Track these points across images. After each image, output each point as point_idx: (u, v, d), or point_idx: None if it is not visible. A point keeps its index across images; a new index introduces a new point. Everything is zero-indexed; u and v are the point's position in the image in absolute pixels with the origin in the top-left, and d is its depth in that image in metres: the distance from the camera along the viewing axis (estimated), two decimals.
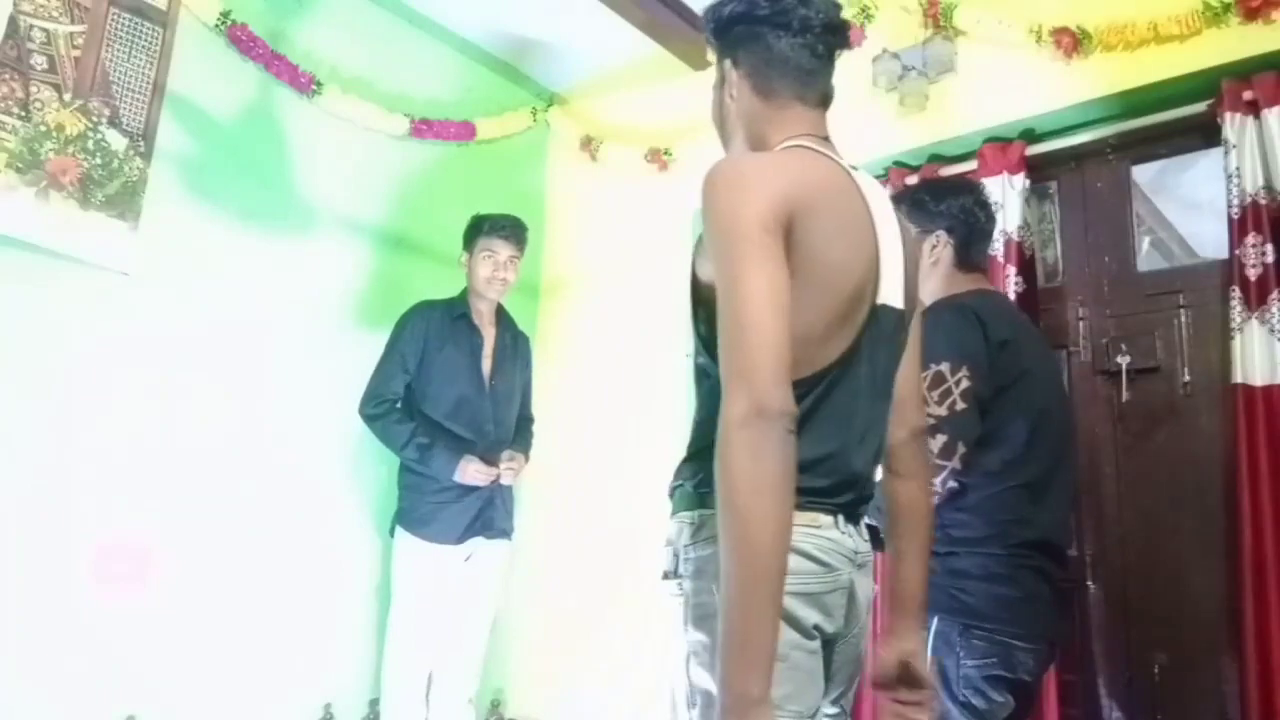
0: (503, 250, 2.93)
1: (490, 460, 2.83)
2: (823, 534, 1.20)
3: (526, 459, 3.03)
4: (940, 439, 1.78)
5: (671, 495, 1.30)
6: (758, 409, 1.04)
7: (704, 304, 1.25)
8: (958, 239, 2.01)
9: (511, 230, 2.96)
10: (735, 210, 1.12)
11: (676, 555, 1.24)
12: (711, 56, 1.40)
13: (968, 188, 2.15)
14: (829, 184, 1.22)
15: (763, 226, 1.11)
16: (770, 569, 1.02)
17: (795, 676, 1.16)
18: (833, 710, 1.31)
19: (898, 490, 1.40)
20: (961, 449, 1.78)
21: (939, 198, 2.10)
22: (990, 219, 2.12)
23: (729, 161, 1.21)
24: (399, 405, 2.86)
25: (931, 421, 1.76)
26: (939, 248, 2.01)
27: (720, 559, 1.05)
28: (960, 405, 1.79)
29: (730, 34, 1.32)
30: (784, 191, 1.15)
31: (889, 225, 1.29)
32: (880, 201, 1.30)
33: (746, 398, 1.05)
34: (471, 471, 2.78)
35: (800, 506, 1.15)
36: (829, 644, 1.24)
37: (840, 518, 1.23)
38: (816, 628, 1.19)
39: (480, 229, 2.95)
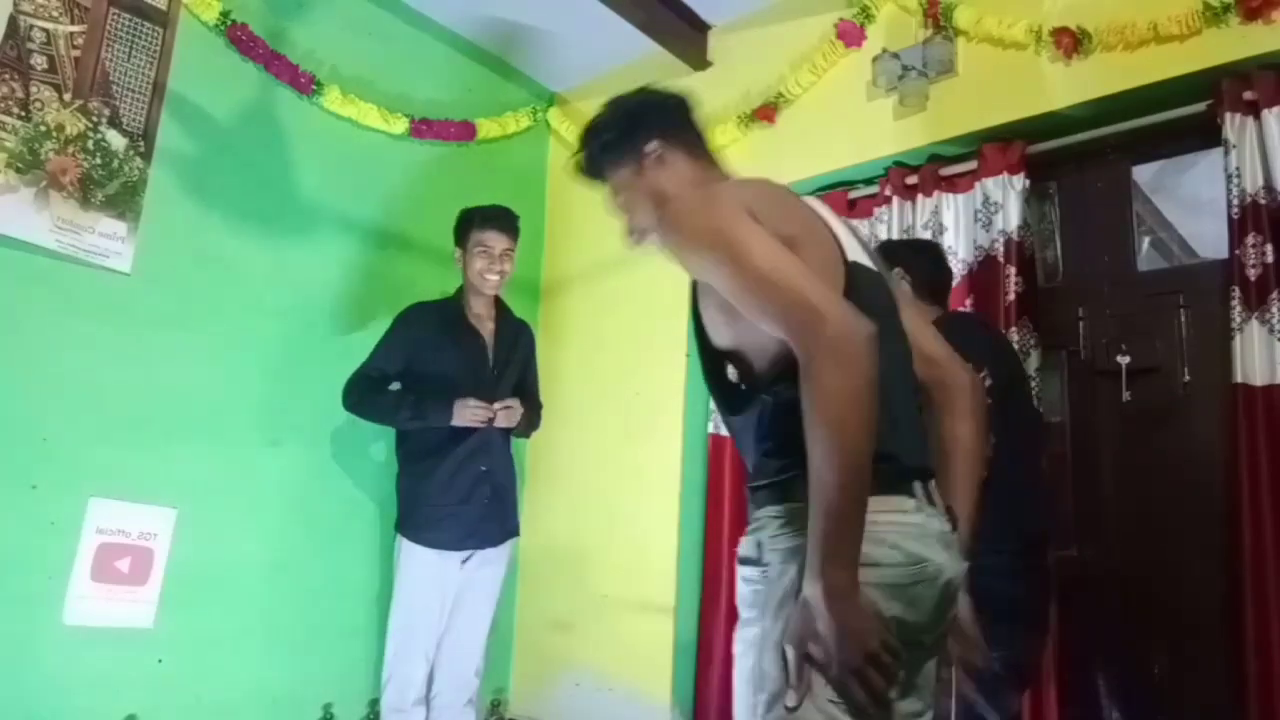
0: (497, 243, 2.84)
1: (485, 398, 2.77)
2: (910, 520, 1.19)
3: (530, 431, 3.02)
4: None
5: (755, 492, 1.29)
6: (839, 333, 1.09)
7: (718, 367, 1.33)
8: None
9: (504, 220, 2.86)
10: (706, 214, 1.23)
11: (760, 545, 1.24)
12: (612, 169, 1.49)
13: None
14: (766, 184, 1.37)
15: (738, 212, 1.22)
16: (864, 472, 1.09)
17: None
18: (916, 706, 1.25)
19: (956, 429, 1.44)
20: (992, 439, 1.89)
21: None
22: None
23: (674, 199, 1.33)
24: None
25: None
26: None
27: (814, 473, 1.10)
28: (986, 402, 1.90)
29: (654, 121, 1.47)
30: (736, 192, 1.29)
31: (828, 212, 1.41)
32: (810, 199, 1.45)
33: (821, 329, 1.09)
34: (468, 413, 2.72)
35: (877, 489, 1.16)
36: (912, 639, 1.18)
37: (921, 498, 1.23)
38: (896, 620, 1.15)
39: (472, 222, 2.86)
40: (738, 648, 1.26)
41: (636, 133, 1.45)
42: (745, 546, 1.27)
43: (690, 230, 1.24)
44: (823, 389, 1.09)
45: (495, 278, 2.86)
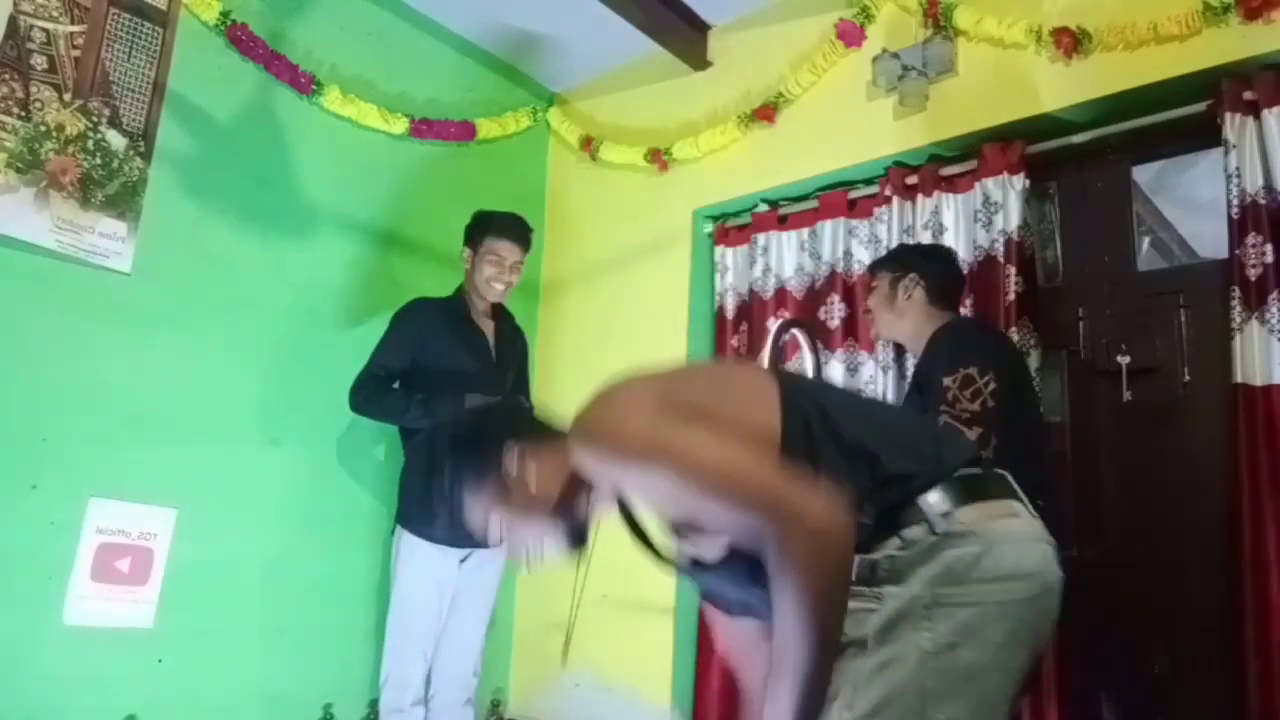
0: (510, 254, 2.86)
1: (491, 394, 2.76)
2: (1018, 526, 1.16)
3: None
4: (976, 430, 2.00)
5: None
6: (819, 526, 1.05)
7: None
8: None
9: (519, 233, 2.88)
10: (629, 430, 1.17)
11: (874, 567, 1.17)
12: (481, 492, 1.40)
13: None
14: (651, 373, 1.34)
15: (657, 414, 1.17)
16: (834, 652, 1.08)
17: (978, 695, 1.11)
18: None
19: None
20: (995, 440, 1.99)
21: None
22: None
23: (588, 436, 1.25)
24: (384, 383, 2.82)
25: (967, 416, 2.02)
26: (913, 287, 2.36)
27: (783, 647, 1.07)
28: (990, 403, 2.03)
29: (501, 432, 1.40)
30: (636, 394, 1.24)
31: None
32: None
33: (799, 524, 1.04)
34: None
35: (985, 495, 1.15)
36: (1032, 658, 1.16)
37: (1025, 500, 1.19)
38: (1024, 640, 1.13)
39: (487, 229, 2.86)
40: None
41: (489, 448, 1.38)
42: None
43: (625, 453, 1.18)
44: (803, 580, 1.05)
45: (501, 287, 2.88)
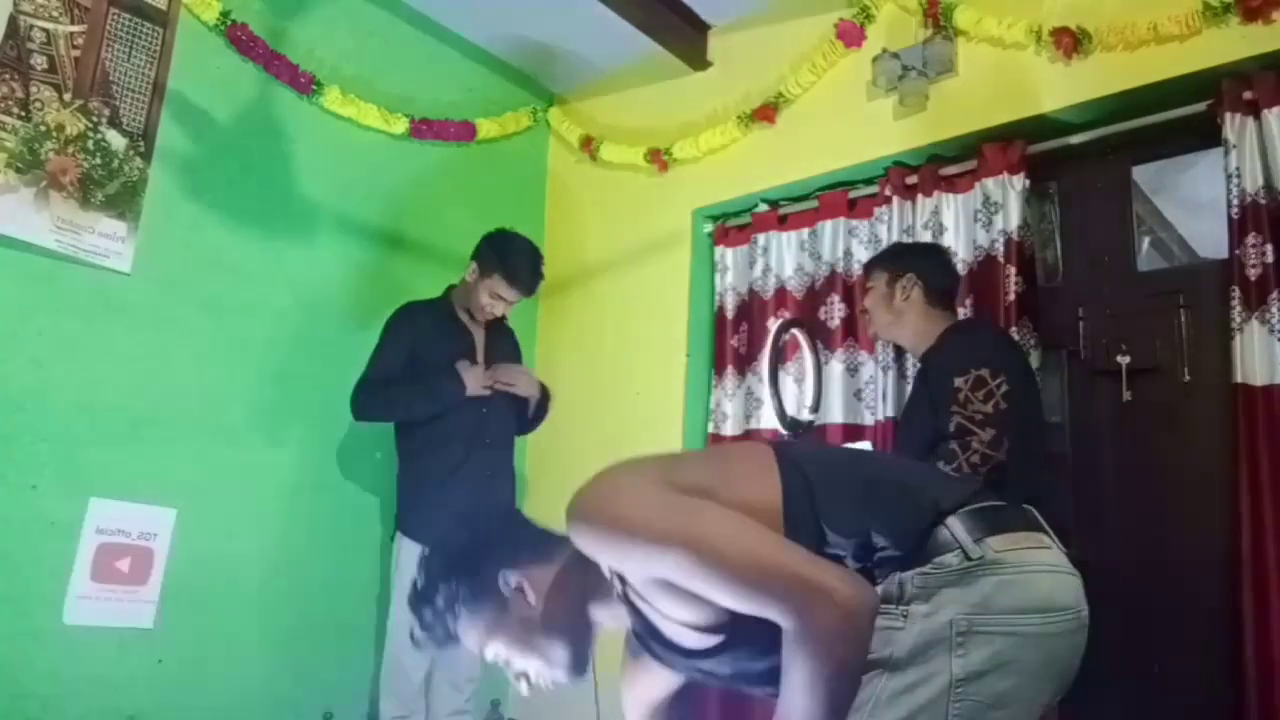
0: (513, 298, 2.86)
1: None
2: (1049, 559, 1.14)
3: (541, 417, 3.04)
4: (990, 432, 2.01)
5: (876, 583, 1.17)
6: (848, 609, 1.02)
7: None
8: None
9: (529, 284, 2.85)
10: (643, 517, 1.11)
11: (902, 585, 1.14)
12: (475, 620, 1.32)
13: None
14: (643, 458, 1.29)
15: (669, 496, 1.13)
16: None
17: None
18: None
19: None
20: (1006, 443, 2.01)
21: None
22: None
23: (586, 506, 1.17)
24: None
25: (979, 417, 2.02)
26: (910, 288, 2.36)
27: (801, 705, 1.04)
28: (1003, 405, 2.03)
29: (502, 554, 1.34)
30: (637, 480, 1.19)
31: None
32: None
33: (828, 608, 1.02)
34: (478, 373, 2.78)
35: (1018, 526, 1.14)
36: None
37: (1051, 533, 1.19)
38: (1054, 681, 1.13)
39: (500, 266, 2.79)
40: None
41: (485, 577, 1.30)
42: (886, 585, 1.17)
43: (635, 534, 1.11)
44: (828, 659, 1.02)
45: (489, 317, 2.91)
